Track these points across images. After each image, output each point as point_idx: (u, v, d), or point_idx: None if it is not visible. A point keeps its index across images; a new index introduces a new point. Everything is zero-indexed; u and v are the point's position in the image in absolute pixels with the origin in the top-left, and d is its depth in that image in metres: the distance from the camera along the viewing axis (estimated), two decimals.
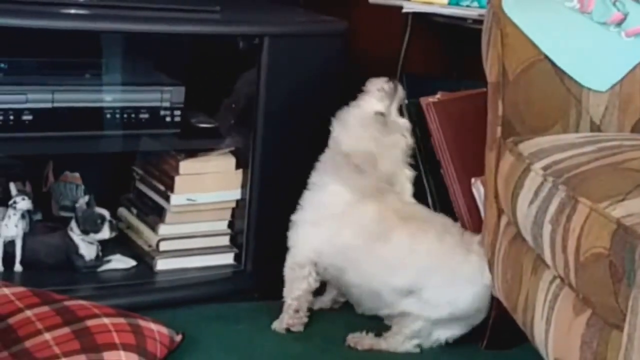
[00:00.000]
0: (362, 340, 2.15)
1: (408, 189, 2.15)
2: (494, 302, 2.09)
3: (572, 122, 2.01)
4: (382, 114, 2.13)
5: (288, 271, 2.16)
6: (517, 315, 1.85)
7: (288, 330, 2.16)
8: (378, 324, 2.19)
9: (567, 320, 1.59)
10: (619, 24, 2.06)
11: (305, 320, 2.17)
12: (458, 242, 2.12)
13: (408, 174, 2.16)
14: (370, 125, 2.12)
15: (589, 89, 2.02)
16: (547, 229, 1.65)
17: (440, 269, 2.09)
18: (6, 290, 1.98)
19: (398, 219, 2.11)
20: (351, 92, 2.33)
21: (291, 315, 2.15)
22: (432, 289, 2.08)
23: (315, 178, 2.16)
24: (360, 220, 2.10)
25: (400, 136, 2.16)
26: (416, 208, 2.20)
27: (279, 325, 2.16)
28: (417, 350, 2.13)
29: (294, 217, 2.16)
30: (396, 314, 2.13)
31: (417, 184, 2.34)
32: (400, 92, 2.20)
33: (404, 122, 2.19)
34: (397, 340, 2.13)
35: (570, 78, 2.01)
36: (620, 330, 1.39)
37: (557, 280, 1.67)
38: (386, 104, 2.16)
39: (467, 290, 2.09)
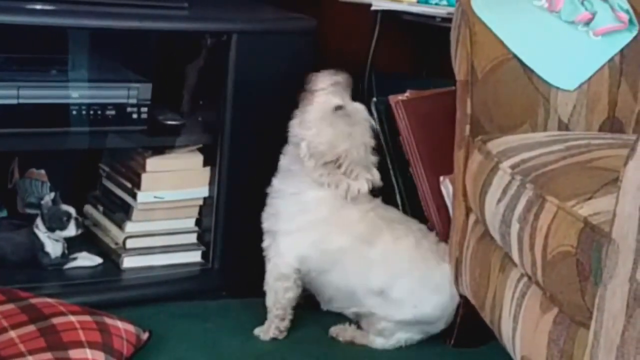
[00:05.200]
0: (344, 332, 2.16)
1: (376, 174, 2.12)
2: (462, 300, 2.09)
3: (540, 121, 2.02)
4: (341, 107, 2.09)
5: (273, 283, 2.12)
6: (485, 313, 1.86)
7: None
8: (344, 319, 2.20)
9: (534, 318, 1.60)
10: (587, 23, 2.07)
11: (289, 325, 2.16)
12: (433, 249, 2.13)
13: (374, 159, 2.13)
14: (336, 121, 2.08)
15: (557, 88, 2.03)
16: (514, 227, 1.65)
17: (412, 273, 2.10)
18: None
19: (382, 221, 2.11)
20: None
21: (277, 325, 2.13)
22: (401, 291, 2.09)
23: (284, 185, 2.12)
24: (347, 224, 2.09)
25: (364, 122, 2.12)
26: (393, 211, 2.21)
27: (264, 334, 2.14)
28: (391, 346, 2.15)
29: (272, 228, 2.13)
30: (363, 312, 2.14)
31: (386, 182, 2.34)
32: (349, 80, 2.15)
33: (361, 107, 2.14)
34: (369, 338, 2.15)
35: (539, 77, 2.02)
36: (586, 328, 1.40)
37: (525, 279, 1.68)
38: (343, 96, 2.11)
39: (434, 298, 2.10)
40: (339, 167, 2.07)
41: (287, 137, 2.14)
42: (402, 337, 2.14)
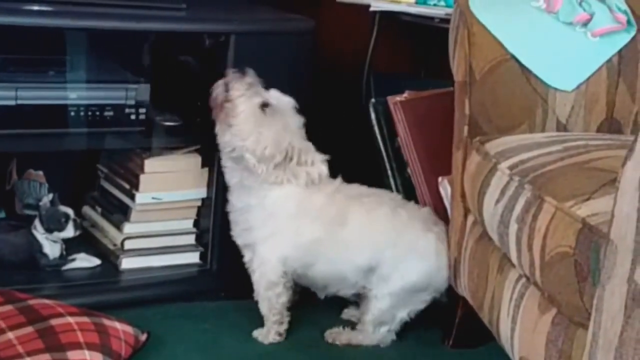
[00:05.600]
0: (339, 335, 2.16)
1: (319, 158, 2.09)
2: (460, 300, 2.09)
3: (538, 122, 2.02)
4: (267, 104, 2.05)
5: (264, 292, 2.11)
6: (484, 314, 1.86)
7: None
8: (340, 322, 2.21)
9: (532, 319, 1.60)
10: (585, 24, 2.07)
11: (287, 327, 2.15)
12: (413, 217, 2.12)
13: (309, 145, 2.10)
14: (268, 120, 2.04)
15: (555, 89, 2.03)
16: (513, 228, 1.65)
17: (395, 243, 2.09)
18: None
19: (348, 199, 2.10)
20: (319, 90, 2.33)
21: (277, 330, 2.13)
22: (387, 263, 2.09)
23: (243, 200, 2.09)
24: (315, 212, 2.08)
25: (290, 108, 2.09)
26: (359, 187, 2.18)
27: (264, 339, 2.13)
28: (392, 337, 2.16)
29: (248, 241, 2.12)
30: (359, 292, 2.14)
31: (384, 183, 2.35)
32: (252, 73, 2.08)
33: (279, 94, 2.09)
34: (369, 331, 2.14)
35: (537, 78, 2.02)
36: (585, 328, 1.40)
37: (523, 279, 1.68)
38: (261, 93, 2.07)
39: (419, 265, 2.10)
40: (290, 160, 2.05)
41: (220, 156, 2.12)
42: (402, 315, 2.14)
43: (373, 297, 2.11)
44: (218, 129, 2.08)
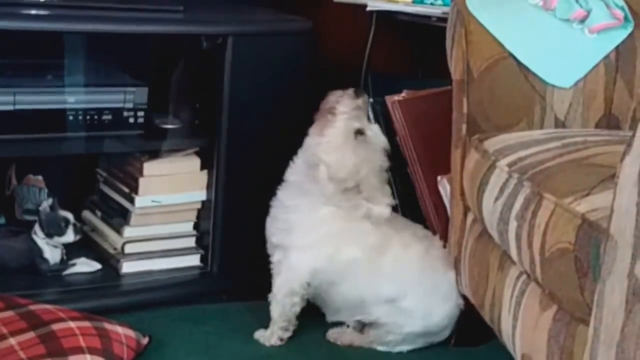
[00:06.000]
0: (342, 335, 2.16)
1: (386, 202, 2.08)
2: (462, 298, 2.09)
3: (536, 119, 2.02)
4: (363, 133, 2.05)
5: (282, 298, 2.09)
6: (485, 312, 1.86)
7: None
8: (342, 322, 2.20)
9: (533, 316, 1.59)
10: (582, 20, 2.07)
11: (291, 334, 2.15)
12: (440, 257, 2.12)
13: (384, 187, 2.11)
14: (358, 147, 2.04)
15: (553, 86, 2.02)
16: (512, 225, 1.65)
17: (422, 282, 2.08)
18: None
19: (391, 229, 2.10)
20: (317, 90, 2.33)
21: (280, 335, 2.12)
22: (411, 301, 2.08)
23: (295, 201, 2.08)
24: (360, 235, 2.07)
25: (382, 147, 2.09)
26: (399, 218, 2.19)
27: (267, 340, 2.12)
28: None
29: (283, 242, 2.09)
30: (370, 321, 2.13)
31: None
32: (367, 102, 2.12)
33: (379, 131, 2.10)
34: (371, 344, 2.15)
35: (535, 75, 2.01)
36: (586, 324, 1.39)
37: (524, 276, 1.67)
38: (363, 121, 2.07)
39: (442, 307, 2.09)
40: (359, 192, 2.05)
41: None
42: (406, 348, 2.14)
43: (386, 330, 2.11)
44: (312, 131, 2.08)
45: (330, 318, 2.19)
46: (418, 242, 2.11)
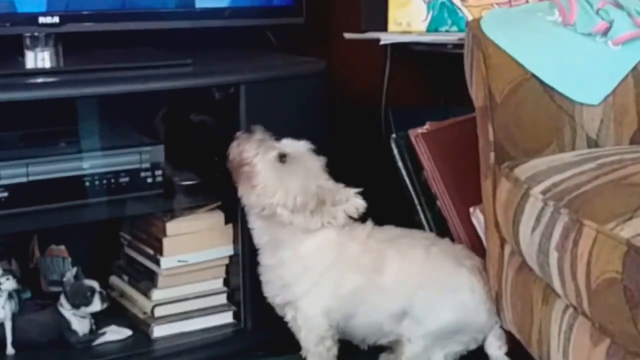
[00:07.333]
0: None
1: (351, 193, 2.03)
2: (507, 335, 2.01)
3: (567, 140, 1.95)
4: (284, 155, 2.01)
5: (314, 348, 2.05)
6: (533, 349, 1.78)
7: None
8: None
9: (585, 351, 1.52)
10: (605, 33, 2.01)
11: None
12: (447, 253, 2.06)
13: (337, 184, 2.05)
14: (290, 169, 2.00)
15: (582, 104, 1.96)
16: (553, 256, 1.58)
17: (426, 284, 2.03)
18: None
19: (381, 244, 2.05)
20: (337, 130, 2.28)
21: None
22: (419, 305, 2.02)
23: (277, 256, 2.04)
24: (351, 261, 2.03)
25: (307, 152, 2.05)
26: (391, 229, 2.13)
27: None
28: None
29: (287, 299, 2.05)
30: (397, 339, 2.08)
31: (415, 219, 2.29)
32: (259, 128, 2.05)
33: (292, 141, 2.05)
34: None
35: (561, 94, 1.95)
36: None
37: (570, 309, 1.60)
38: (274, 145, 2.03)
39: (453, 302, 2.02)
40: (324, 203, 2.01)
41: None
42: (440, 355, 2.05)
43: (407, 340, 2.04)
44: (241, 191, 2.04)
45: (362, 345, 2.14)
46: (415, 247, 2.06)
